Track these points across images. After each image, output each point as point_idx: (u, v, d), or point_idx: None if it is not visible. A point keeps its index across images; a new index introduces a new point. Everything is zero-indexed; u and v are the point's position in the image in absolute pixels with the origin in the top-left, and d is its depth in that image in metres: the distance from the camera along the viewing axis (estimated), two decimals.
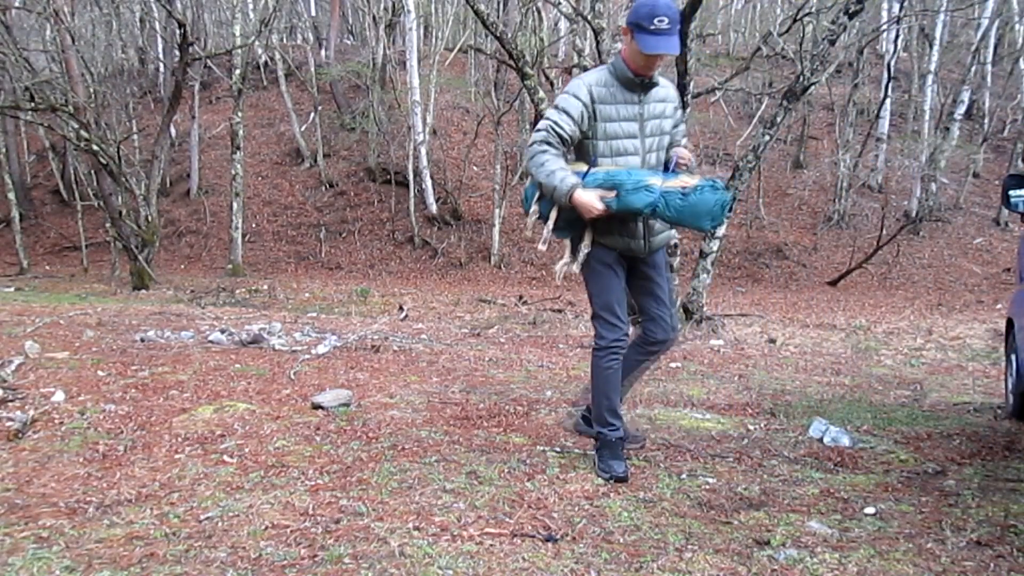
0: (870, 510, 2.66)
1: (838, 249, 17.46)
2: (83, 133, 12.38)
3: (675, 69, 8.07)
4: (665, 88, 3.01)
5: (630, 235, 2.96)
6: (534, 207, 2.99)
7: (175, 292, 12.53)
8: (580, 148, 2.95)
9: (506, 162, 18.60)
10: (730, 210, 2.95)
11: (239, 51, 16.59)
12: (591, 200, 2.77)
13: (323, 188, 20.53)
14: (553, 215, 2.91)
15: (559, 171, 2.80)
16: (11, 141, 19.15)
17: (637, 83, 2.89)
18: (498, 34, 8.80)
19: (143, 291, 12.67)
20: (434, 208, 19.12)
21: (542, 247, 2.94)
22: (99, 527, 2.45)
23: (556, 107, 2.88)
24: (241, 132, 16.71)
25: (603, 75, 2.91)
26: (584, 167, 2.90)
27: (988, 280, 15.92)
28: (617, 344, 2.98)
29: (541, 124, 2.88)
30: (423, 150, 18.71)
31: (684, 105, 8.00)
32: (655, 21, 2.75)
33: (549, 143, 2.84)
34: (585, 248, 2.92)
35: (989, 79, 21.13)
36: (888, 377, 5.89)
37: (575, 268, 2.95)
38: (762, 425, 3.97)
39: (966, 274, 16.42)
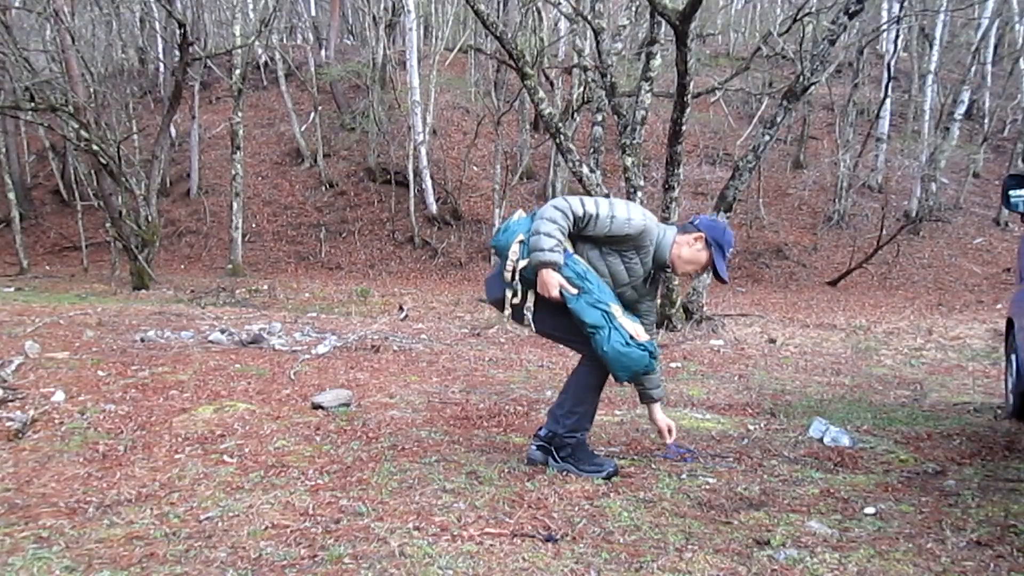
0: (870, 510, 2.66)
1: (838, 249, 17.46)
2: (83, 133, 12.38)
3: (675, 69, 8.06)
4: (659, 279, 3.13)
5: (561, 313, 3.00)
6: (515, 247, 2.95)
7: (175, 292, 12.53)
8: (581, 233, 2.93)
9: (506, 162, 18.60)
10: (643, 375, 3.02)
11: (239, 51, 16.59)
12: (553, 284, 2.81)
13: (323, 188, 20.53)
14: (523, 264, 2.91)
15: (556, 243, 2.81)
16: (11, 141, 19.14)
17: (660, 266, 3.02)
18: (498, 34, 8.80)
19: (143, 291, 12.67)
20: (434, 208, 19.12)
21: (508, 293, 2.94)
22: (99, 527, 2.45)
23: (611, 209, 2.88)
24: (241, 132, 16.71)
25: (656, 234, 2.96)
26: (569, 248, 2.93)
27: (988, 280, 15.92)
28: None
29: (588, 204, 2.86)
30: (423, 150, 18.71)
31: (684, 105, 8.02)
32: (729, 250, 3.00)
33: (574, 222, 2.86)
34: (529, 312, 2.95)
35: (989, 79, 21.13)
36: (888, 377, 5.89)
37: (530, 325, 2.96)
38: (762, 425, 3.97)
39: (966, 274, 16.42)
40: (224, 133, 21.15)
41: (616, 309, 2.87)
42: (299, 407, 4.05)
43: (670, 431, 3.19)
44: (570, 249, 2.91)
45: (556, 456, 3.05)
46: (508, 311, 2.98)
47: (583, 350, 3.00)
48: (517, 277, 2.92)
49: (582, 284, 2.85)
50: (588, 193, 8.78)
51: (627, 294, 3.02)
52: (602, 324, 2.83)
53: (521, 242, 2.92)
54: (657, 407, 3.16)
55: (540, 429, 3.16)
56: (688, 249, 2.99)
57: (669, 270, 3.04)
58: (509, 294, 2.94)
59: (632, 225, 2.88)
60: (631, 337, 2.84)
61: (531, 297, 2.95)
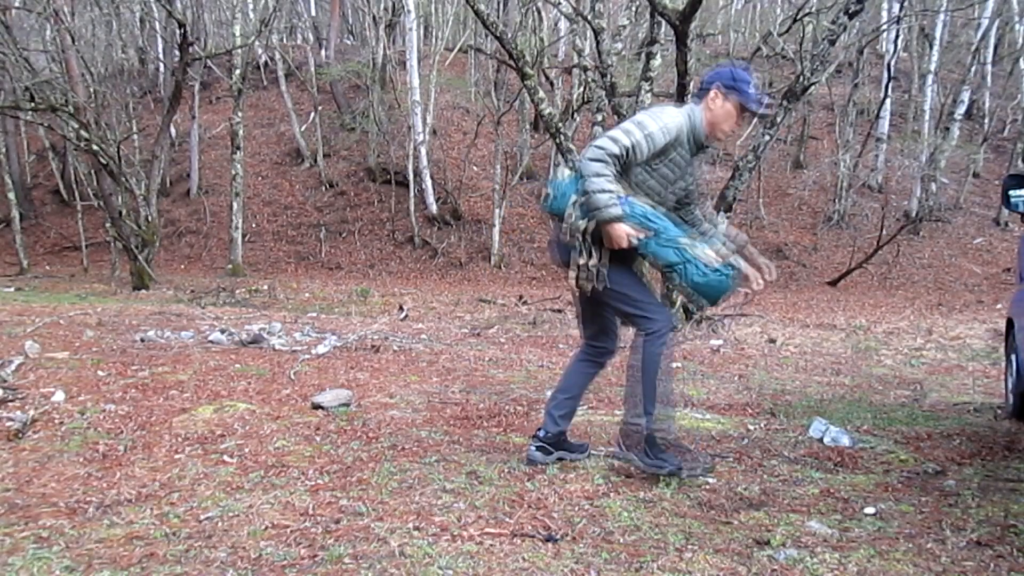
0: (870, 510, 2.66)
1: (838, 249, 17.47)
2: (83, 133, 12.38)
3: (675, 69, 8.06)
4: (704, 153, 3.06)
5: (634, 260, 2.99)
6: (571, 210, 2.88)
7: (175, 292, 12.53)
8: (626, 168, 2.89)
9: (506, 162, 18.60)
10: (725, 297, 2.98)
11: (239, 51, 16.59)
12: (622, 236, 2.77)
13: (323, 188, 20.53)
14: (584, 225, 2.85)
15: (611, 195, 2.76)
16: (11, 141, 19.14)
17: (701, 146, 2.95)
18: (498, 34, 8.80)
19: (143, 291, 12.67)
20: (434, 208, 19.12)
21: (580, 259, 2.88)
22: (99, 527, 2.45)
23: (643, 128, 2.81)
24: (241, 132, 16.71)
25: (687, 123, 2.89)
26: (623, 190, 2.86)
27: (988, 280, 15.92)
28: (670, 324, 2.95)
29: (620, 137, 2.79)
30: (423, 150, 18.71)
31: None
32: (751, 86, 2.91)
33: (616, 161, 2.79)
34: (604, 267, 2.87)
35: (989, 79, 21.12)
36: (888, 377, 5.89)
37: (599, 286, 2.88)
38: (762, 425, 3.97)
39: (966, 274, 16.42)
40: (224, 133, 21.15)
41: (686, 241, 2.85)
42: (299, 407, 4.05)
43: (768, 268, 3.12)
44: (623, 193, 2.84)
45: (621, 444, 3.02)
46: (574, 273, 2.90)
47: (639, 322, 2.93)
48: (582, 239, 2.86)
49: (649, 225, 2.81)
50: None
51: (679, 187, 2.98)
52: (678, 260, 2.81)
53: (576, 204, 2.86)
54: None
55: (539, 430, 3.15)
56: (713, 112, 2.92)
57: (711, 146, 2.99)
58: (577, 256, 2.87)
59: (669, 132, 2.83)
60: (706, 266, 2.82)
61: (603, 255, 2.88)
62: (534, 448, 3.11)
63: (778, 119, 8.46)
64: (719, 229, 3.16)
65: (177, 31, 14.00)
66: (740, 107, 2.91)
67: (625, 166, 2.85)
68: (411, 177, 18.48)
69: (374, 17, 21.11)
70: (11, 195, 17.17)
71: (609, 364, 3.23)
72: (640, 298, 2.95)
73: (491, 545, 2.31)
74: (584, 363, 3.18)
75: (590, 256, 2.88)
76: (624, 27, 11.10)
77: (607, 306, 3.02)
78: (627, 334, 3.11)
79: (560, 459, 3.12)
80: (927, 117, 19.37)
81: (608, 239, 2.81)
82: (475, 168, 20.35)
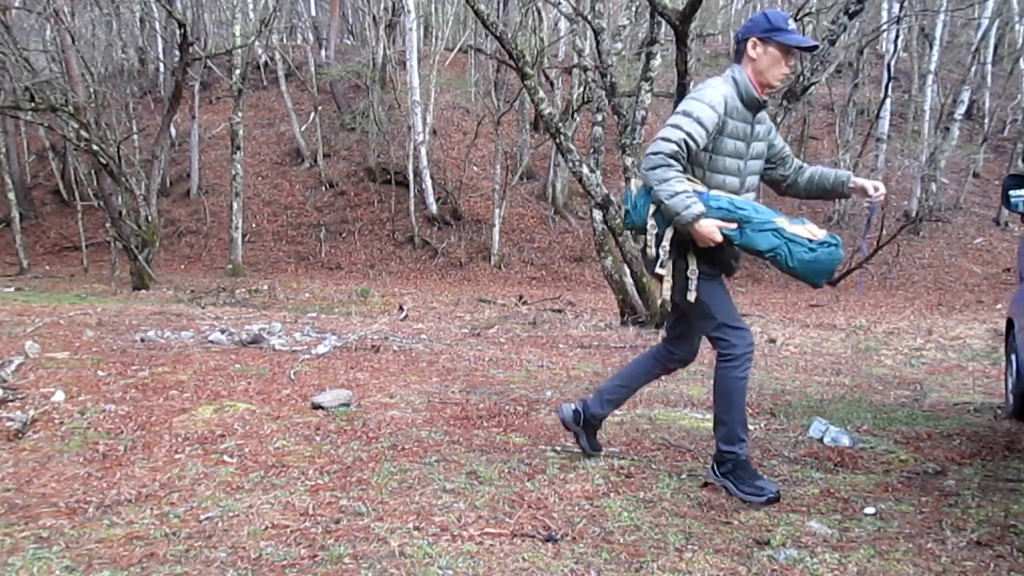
0: (870, 510, 2.66)
1: None
2: (83, 133, 12.38)
3: (675, 69, 8.06)
4: (764, 112, 2.93)
5: (732, 256, 2.86)
6: (651, 222, 2.78)
7: (175, 292, 12.53)
8: (692, 158, 2.78)
9: (506, 162, 18.60)
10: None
11: (239, 51, 16.60)
12: (712, 231, 2.66)
13: (323, 188, 20.53)
14: (668, 235, 2.74)
15: (684, 195, 2.64)
16: (11, 141, 19.15)
17: (757, 103, 2.81)
18: (498, 34, 8.79)
19: (143, 291, 12.67)
20: (434, 208, 19.12)
21: (661, 271, 2.78)
22: (99, 527, 2.45)
23: (689, 115, 2.70)
24: (241, 132, 16.72)
25: (732, 89, 2.77)
26: (700, 185, 2.76)
27: (988, 280, 15.92)
28: (750, 348, 2.81)
29: (671, 134, 2.68)
30: (423, 150, 18.71)
31: None
32: (788, 22, 2.77)
33: (677, 159, 2.68)
34: (692, 276, 2.77)
35: (989, 79, 21.12)
36: (888, 377, 5.89)
37: (690, 297, 2.77)
38: (762, 425, 3.97)
39: (966, 274, 16.42)
40: (224, 133, 21.15)
41: (782, 221, 2.72)
42: (299, 407, 4.04)
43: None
44: (701, 189, 2.74)
45: (716, 471, 2.85)
46: (668, 284, 2.79)
47: (718, 343, 2.81)
48: (665, 250, 2.76)
49: (736, 215, 2.69)
50: (588, 194, 8.78)
51: (756, 153, 2.86)
52: (777, 243, 2.68)
53: (655, 215, 2.76)
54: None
55: (585, 399, 3.18)
56: (756, 62, 2.79)
57: (766, 99, 2.83)
58: (662, 269, 2.78)
59: (716, 106, 2.71)
60: (810, 241, 2.68)
61: (692, 262, 2.77)
62: (571, 407, 3.15)
63: (778, 119, 8.46)
64: (820, 170, 3.02)
65: (177, 31, 14.00)
66: (783, 48, 2.76)
67: (691, 158, 2.75)
68: (411, 177, 18.48)
69: (374, 17, 21.12)
70: (11, 195, 17.18)
71: (675, 371, 3.19)
72: (723, 319, 2.80)
73: (491, 545, 2.31)
74: (653, 360, 3.11)
75: (677, 266, 2.79)
76: (624, 27, 11.11)
77: (691, 319, 2.92)
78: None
79: (576, 438, 3.19)
80: (927, 117, 19.38)
81: (699, 239, 2.68)
82: (475, 168, 20.35)
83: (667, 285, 2.81)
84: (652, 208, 2.78)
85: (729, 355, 2.78)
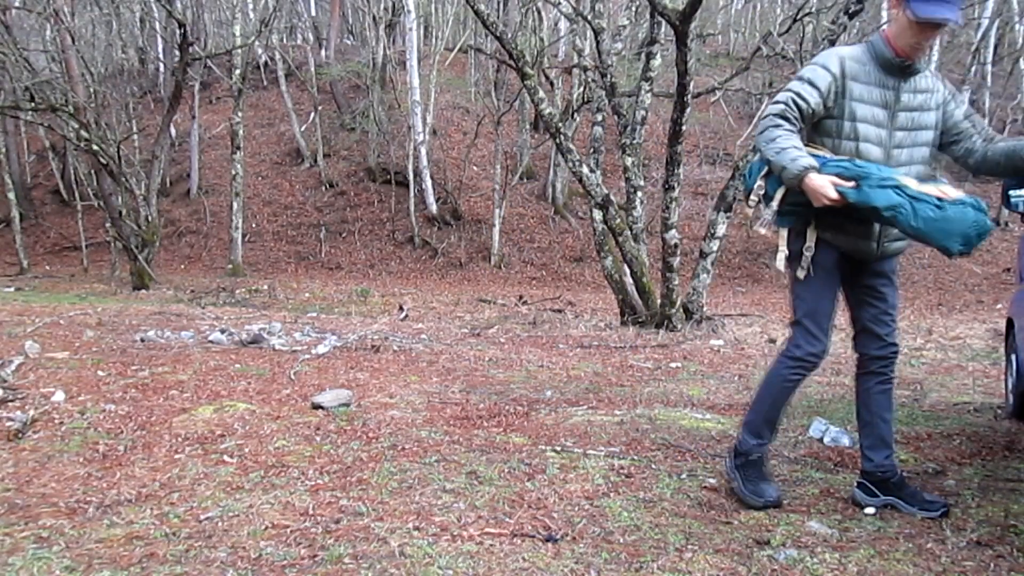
0: (870, 510, 2.66)
1: None
2: (83, 133, 12.39)
3: (675, 69, 8.06)
4: (930, 79, 2.61)
5: (862, 235, 2.57)
6: (759, 182, 2.61)
7: (175, 292, 12.53)
8: (820, 127, 2.58)
9: (506, 162, 18.60)
10: (982, 239, 2.42)
11: (239, 51, 16.60)
12: (824, 185, 2.40)
13: (323, 188, 20.53)
14: (779, 196, 2.55)
15: (792, 149, 2.44)
16: (11, 141, 19.15)
17: (897, 66, 2.51)
18: (498, 34, 8.80)
19: (143, 291, 12.67)
20: (434, 208, 19.12)
21: (762, 230, 2.62)
22: (99, 527, 2.45)
23: (800, 78, 2.54)
24: (241, 132, 16.72)
25: (859, 51, 2.56)
26: (823, 151, 2.55)
27: (988, 280, 15.93)
28: (812, 358, 2.66)
29: (780, 96, 2.53)
30: (423, 150, 18.71)
31: (684, 105, 8.01)
32: None
33: (786, 117, 2.50)
34: (808, 251, 2.57)
35: (989, 79, 21.13)
36: None
37: (800, 273, 2.59)
38: None
39: (966, 274, 16.43)
40: (224, 133, 21.15)
41: (908, 180, 2.42)
42: (299, 407, 4.04)
43: None
44: (823, 153, 2.53)
45: (731, 459, 2.79)
46: (783, 253, 2.61)
47: (789, 335, 2.68)
48: (772, 210, 2.57)
49: (854, 172, 2.43)
50: (588, 194, 8.78)
51: (903, 124, 2.57)
52: (898, 201, 2.37)
53: (766, 176, 2.58)
54: None
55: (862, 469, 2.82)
56: (894, 26, 2.50)
57: (907, 63, 2.51)
58: (763, 228, 2.61)
59: (828, 64, 2.52)
60: (939, 199, 2.38)
61: (811, 237, 2.57)
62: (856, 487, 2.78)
63: None
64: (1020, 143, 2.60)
65: (177, 31, 14.00)
66: (920, 16, 2.40)
67: (818, 128, 2.57)
68: (411, 177, 18.48)
69: (374, 17, 21.12)
70: (11, 195, 17.18)
71: (889, 373, 2.93)
72: (803, 316, 2.65)
73: (491, 545, 2.31)
74: (866, 379, 2.94)
75: (796, 237, 2.60)
76: (624, 27, 11.11)
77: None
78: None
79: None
80: None
81: (812, 195, 2.43)
82: (475, 168, 20.35)
83: (781, 256, 2.63)
84: (765, 170, 2.60)
85: (788, 353, 2.68)
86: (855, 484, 2.80)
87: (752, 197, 2.64)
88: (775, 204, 2.57)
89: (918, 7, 2.40)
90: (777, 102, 2.53)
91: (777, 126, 2.50)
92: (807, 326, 2.65)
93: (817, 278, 2.61)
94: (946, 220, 2.37)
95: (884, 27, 2.62)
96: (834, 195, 2.40)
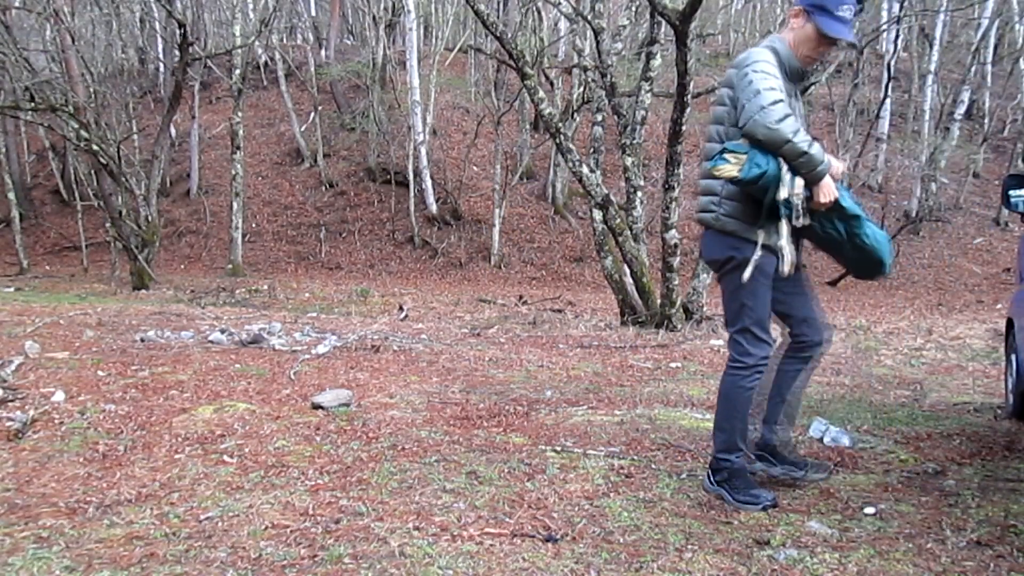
0: (870, 510, 2.66)
1: None
2: (83, 133, 12.38)
3: (675, 69, 8.06)
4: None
5: (797, 244, 2.69)
6: (796, 188, 2.54)
7: (175, 292, 12.53)
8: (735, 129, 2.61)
9: (506, 162, 18.60)
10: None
11: (239, 51, 16.60)
12: (831, 185, 2.51)
13: (323, 188, 20.53)
14: (799, 198, 2.53)
15: (818, 148, 2.47)
16: (11, 141, 19.15)
17: (797, 72, 2.66)
18: (498, 34, 8.80)
19: (143, 291, 12.67)
20: (434, 208, 19.12)
21: (805, 221, 2.56)
22: (99, 527, 2.45)
23: (764, 72, 2.51)
24: (241, 132, 16.72)
25: (774, 56, 2.61)
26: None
27: (988, 280, 15.93)
28: (764, 362, 2.71)
29: (768, 84, 2.47)
30: (423, 150, 18.72)
31: (684, 105, 8.01)
32: (842, 7, 2.57)
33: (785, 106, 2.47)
34: (759, 253, 2.60)
35: (989, 79, 21.12)
36: (888, 377, 5.89)
37: (744, 276, 2.60)
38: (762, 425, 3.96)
39: (966, 274, 16.43)
40: (224, 133, 21.15)
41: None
42: (299, 407, 4.04)
43: None
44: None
45: (711, 479, 2.77)
46: (790, 257, 2.58)
47: (733, 345, 2.70)
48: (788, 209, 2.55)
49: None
50: (588, 194, 8.78)
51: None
52: (863, 214, 2.58)
53: (789, 171, 2.53)
54: None
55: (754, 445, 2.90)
56: (794, 32, 2.64)
57: (804, 72, 2.68)
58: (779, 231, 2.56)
59: (769, 62, 2.55)
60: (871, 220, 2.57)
61: (773, 236, 2.59)
62: (748, 463, 2.84)
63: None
64: None
65: (177, 31, 14.00)
66: (819, 32, 2.58)
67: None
68: (411, 177, 18.48)
69: (374, 17, 21.12)
70: (11, 195, 17.18)
71: (817, 357, 2.93)
72: (750, 324, 2.66)
73: (491, 545, 2.31)
74: (790, 358, 2.90)
75: (738, 242, 2.63)
76: (624, 27, 11.10)
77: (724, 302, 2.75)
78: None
79: (773, 476, 2.91)
80: (927, 117, 19.37)
81: (826, 192, 2.52)
82: (475, 168, 20.35)
83: (790, 258, 2.58)
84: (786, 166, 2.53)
85: (741, 363, 2.70)
86: (756, 458, 2.88)
87: (795, 211, 2.53)
88: (798, 211, 2.53)
89: (826, 24, 2.56)
90: (771, 88, 2.47)
91: (792, 115, 2.47)
92: (756, 333, 2.69)
93: (763, 287, 2.66)
94: (888, 241, 2.64)
95: (781, 34, 2.71)
96: (836, 195, 2.52)
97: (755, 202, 2.59)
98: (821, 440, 3.61)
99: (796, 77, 2.68)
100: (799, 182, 2.54)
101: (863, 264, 2.69)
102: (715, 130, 2.75)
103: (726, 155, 2.61)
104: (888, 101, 18.57)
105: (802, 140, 2.48)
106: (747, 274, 2.59)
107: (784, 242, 2.59)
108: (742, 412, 2.73)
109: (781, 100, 2.48)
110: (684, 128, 8.16)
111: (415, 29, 19.29)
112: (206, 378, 4.66)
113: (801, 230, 2.64)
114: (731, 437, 2.73)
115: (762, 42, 2.73)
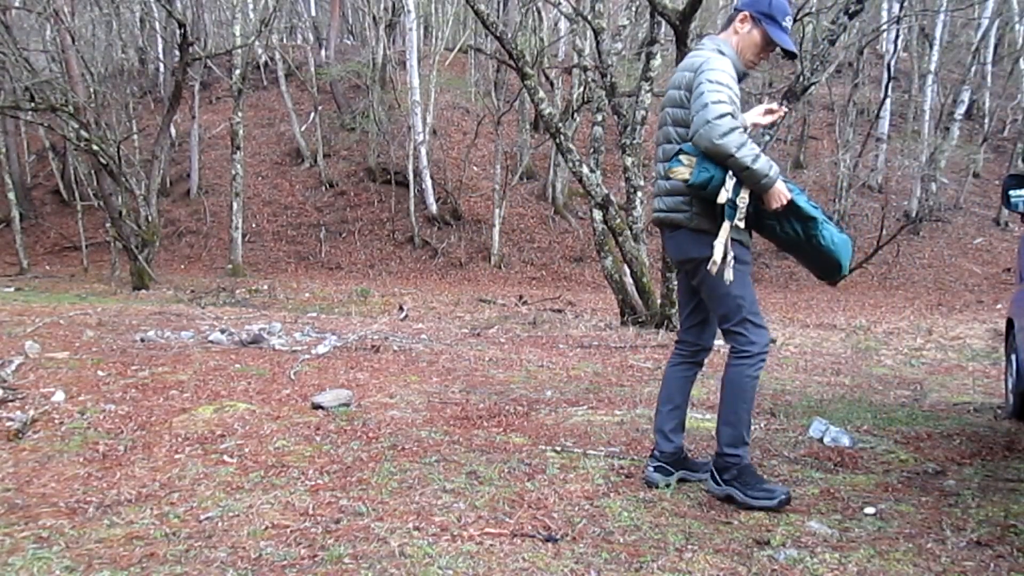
0: (870, 510, 2.66)
1: None
2: (83, 133, 12.39)
3: (675, 69, 8.05)
4: None
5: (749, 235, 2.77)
6: (742, 194, 2.60)
7: (175, 292, 12.53)
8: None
9: (506, 162, 18.60)
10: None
11: (239, 51, 16.60)
12: (784, 189, 2.60)
13: (323, 188, 20.53)
14: (744, 201, 2.60)
15: (765, 158, 2.55)
16: (11, 141, 19.14)
17: (740, 75, 2.74)
18: (498, 34, 8.80)
19: (143, 291, 12.67)
20: (434, 208, 19.12)
21: (728, 275, 2.64)
22: (99, 527, 2.45)
23: (719, 82, 2.57)
24: (241, 132, 16.72)
25: (730, 64, 2.68)
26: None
27: (988, 280, 15.93)
28: (767, 349, 2.72)
29: (718, 98, 2.53)
30: (423, 150, 18.72)
31: None
32: (786, 19, 2.72)
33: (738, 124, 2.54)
34: (731, 256, 2.64)
35: (989, 79, 21.13)
36: (888, 377, 5.89)
37: (727, 276, 2.63)
38: (762, 425, 3.97)
39: (966, 274, 16.43)
40: (224, 133, 21.15)
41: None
42: (299, 407, 4.04)
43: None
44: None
45: (718, 479, 2.74)
46: (719, 255, 2.61)
47: (736, 337, 2.71)
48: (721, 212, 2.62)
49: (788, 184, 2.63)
50: (588, 194, 8.78)
51: None
52: (820, 216, 2.64)
53: (735, 179, 2.58)
54: None
55: (654, 449, 2.94)
56: (739, 36, 2.75)
57: (746, 75, 2.78)
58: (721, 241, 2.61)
59: (726, 67, 2.62)
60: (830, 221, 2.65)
61: (738, 235, 2.65)
62: (652, 468, 2.89)
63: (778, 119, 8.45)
64: None
65: (177, 31, 14.00)
66: (766, 38, 2.73)
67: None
68: (411, 177, 18.49)
69: (374, 17, 21.12)
70: (11, 195, 17.18)
71: (704, 363, 3.04)
72: (748, 314, 2.70)
73: (491, 545, 2.31)
74: (680, 365, 2.99)
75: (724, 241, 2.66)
76: (624, 27, 11.11)
77: (713, 307, 2.81)
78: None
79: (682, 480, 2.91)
80: (927, 117, 19.38)
81: (779, 197, 2.60)
82: (475, 168, 20.35)
83: (718, 255, 2.63)
84: (735, 180, 2.59)
85: (746, 352, 2.70)
86: (651, 468, 2.90)
87: (738, 213, 2.59)
88: (741, 214, 2.62)
89: (774, 32, 2.71)
90: (721, 102, 2.53)
91: (742, 129, 2.55)
92: (755, 321, 2.73)
93: (746, 275, 2.73)
94: (846, 244, 2.67)
95: (722, 36, 2.79)
96: (790, 196, 2.61)
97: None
98: (821, 440, 3.61)
99: (739, 80, 2.74)
100: (744, 188, 2.62)
101: (822, 265, 2.75)
102: (673, 131, 2.80)
103: (681, 156, 2.70)
104: (888, 101, 18.58)
105: (745, 155, 2.53)
106: (729, 274, 2.64)
107: (718, 243, 2.63)
108: (749, 402, 2.74)
109: (728, 114, 2.53)
110: None
111: (415, 29, 19.30)
112: (206, 378, 4.66)
113: (761, 230, 2.76)
114: (738, 431, 2.71)
115: (708, 44, 2.78)
